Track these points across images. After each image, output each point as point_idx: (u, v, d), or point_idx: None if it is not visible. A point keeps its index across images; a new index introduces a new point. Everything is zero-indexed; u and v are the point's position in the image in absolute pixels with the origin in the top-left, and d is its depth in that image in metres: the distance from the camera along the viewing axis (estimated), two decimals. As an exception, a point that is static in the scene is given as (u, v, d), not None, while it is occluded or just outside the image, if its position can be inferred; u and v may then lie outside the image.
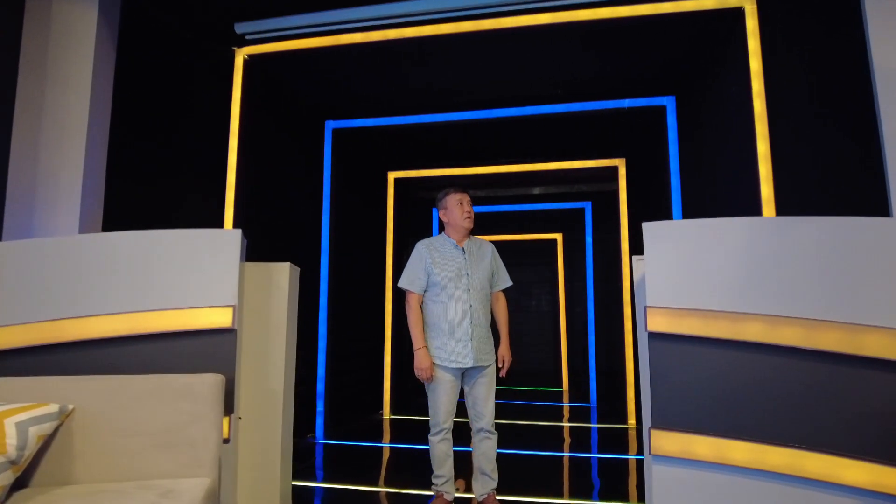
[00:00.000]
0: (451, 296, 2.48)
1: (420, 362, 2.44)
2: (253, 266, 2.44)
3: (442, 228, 2.69)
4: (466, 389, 2.55)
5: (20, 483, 1.61)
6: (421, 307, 2.54)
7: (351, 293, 4.90)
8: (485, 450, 2.51)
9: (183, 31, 3.27)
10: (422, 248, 2.57)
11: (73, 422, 1.70)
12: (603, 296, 6.33)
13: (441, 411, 2.47)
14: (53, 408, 1.65)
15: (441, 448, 2.49)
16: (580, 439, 4.48)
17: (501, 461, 2.58)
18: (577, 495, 2.92)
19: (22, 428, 1.53)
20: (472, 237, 2.65)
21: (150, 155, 3.04)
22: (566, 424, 5.08)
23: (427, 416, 2.53)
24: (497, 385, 2.60)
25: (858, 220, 1.78)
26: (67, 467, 1.67)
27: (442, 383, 2.46)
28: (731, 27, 3.10)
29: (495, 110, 4.42)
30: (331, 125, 4.69)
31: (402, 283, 2.57)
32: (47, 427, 1.61)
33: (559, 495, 2.91)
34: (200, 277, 2.05)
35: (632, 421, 4.78)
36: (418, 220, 6.75)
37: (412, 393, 5.74)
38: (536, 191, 6.50)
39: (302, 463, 3.53)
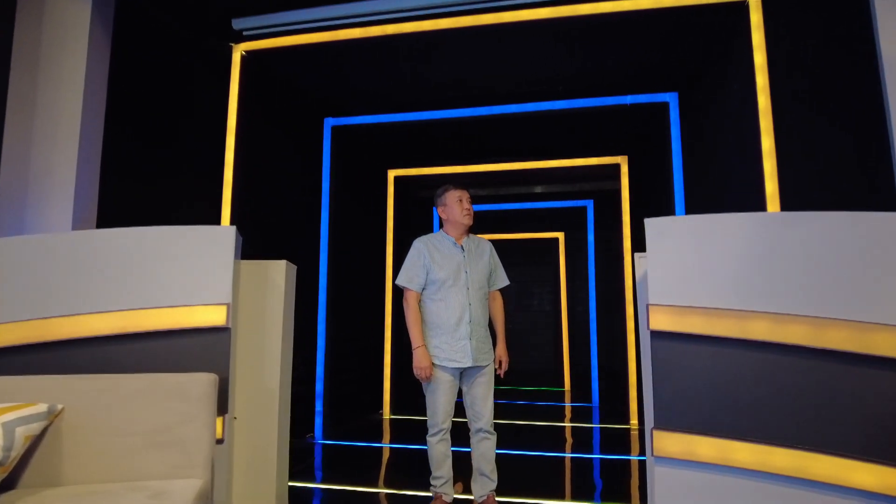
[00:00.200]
0: (449, 294, 2.44)
1: (419, 361, 2.40)
2: (248, 264, 2.41)
3: (442, 227, 2.65)
4: (465, 389, 2.51)
5: (7, 484, 1.58)
6: (419, 305, 2.50)
7: (350, 292, 4.87)
8: (484, 450, 2.47)
9: (180, 27, 3.24)
10: (420, 246, 2.53)
11: (63, 422, 1.67)
12: (605, 295, 6.30)
13: (439, 412, 2.43)
14: (42, 407, 1.62)
15: (439, 449, 2.46)
16: (581, 440, 4.44)
17: (501, 462, 2.55)
18: (578, 497, 2.88)
19: (9, 428, 1.50)
20: (470, 235, 2.61)
21: (147, 153, 3.01)
22: (567, 425, 5.04)
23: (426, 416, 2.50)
24: (498, 385, 2.56)
25: (867, 216, 1.74)
26: (56, 468, 1.64)
27: (440, 383, 2.43)
28: (734, 21, 3.06)
29: (496, 107, 4.38)
30: (330, 122, 4.66)
31: (399, 281, 2.53)
32: (35, 427, 1.58)
33: (560, 497, 2.87)
34: (194, 275, 2.02)
35: (634, 421, 4.74)
36: (419, 219, 6.71)
37: (412, 392, 5.70)
38: (538, 189, 6.46)
39: (300, 463, 3.50)
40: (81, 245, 2.03)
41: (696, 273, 1.84)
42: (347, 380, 4.79)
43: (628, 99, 4.20)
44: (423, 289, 2.50)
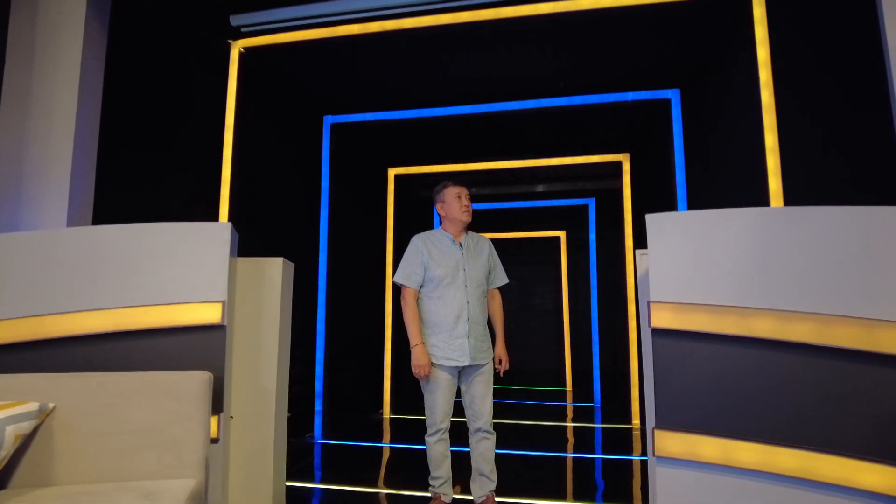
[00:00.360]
0: (447, 292, 2.41)
1: (417, 359, 2.37)
2: (244, 261, 2.38)
3: (441, 224, 2.62)
4: (463, 388, 2.48)
5: (-3, 484, 1.56)
6: (417, 303, 2.47)
7: (350, 291, 4.84)
8: (483, 450, 2.44)
9: (177, 23, 3.21)
10: (418, 243, 2.50)
11: (54, 421, 1.65)
12: (607, 294, 6.26)
13: (438, 411, 2.40)
14: (33, 406, 1.59)
15: (438, 449, 2.43)
16: (583, 440, 4.41)
17: (502, 461, 2.52)
18: (579, 497, 2.85)
19: (-2, 427, 1.47)
20: (469, 232, 2.58)
21: (143, 150, 2.98)
22: (569, 424, 5.00)
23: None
24: (499, 384, 2.53)
25: (873, 210, 1.70)
26: (47, 468, 1.62)
27: (439, 382, 2.39)
28: (737, 15, 3.02)
29: (497, 104, 4.35)
30: (329, 120, 4.63)
31: (397, 278, 2.50)
32: (26, 426, 1.55)
33: (561, 497, 2.84)
34: (189, 272, 1.99)
35: (636, 421, 4.70)
36: (419, 218, 6.68)
37: (413, 392, 5.67)
38: (539, 188, 6.42)
39: (299, 463, 3.48)
40: (75, 242, 2.01)
41: (698, 269, 1.81)
42: (347, 379, 4.77)
43: (630, 96, 4.16)
44: (421, 286, 2.47)
